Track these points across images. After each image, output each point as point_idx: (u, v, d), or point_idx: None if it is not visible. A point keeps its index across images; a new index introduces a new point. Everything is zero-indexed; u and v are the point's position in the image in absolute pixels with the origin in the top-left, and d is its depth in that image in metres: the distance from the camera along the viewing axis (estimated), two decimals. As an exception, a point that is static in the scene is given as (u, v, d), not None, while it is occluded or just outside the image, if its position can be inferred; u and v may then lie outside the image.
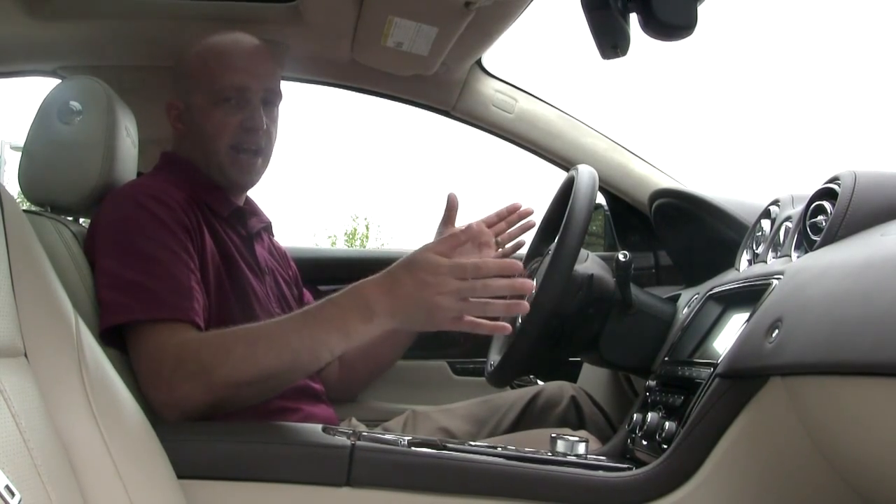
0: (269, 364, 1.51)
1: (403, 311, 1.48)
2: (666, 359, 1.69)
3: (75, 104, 1.75)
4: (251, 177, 1.90)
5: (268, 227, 2.04)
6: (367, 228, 19.00)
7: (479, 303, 1.48)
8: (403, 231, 21.35)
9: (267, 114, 1.86)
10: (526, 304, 1.52)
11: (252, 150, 1.86)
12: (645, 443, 1.53)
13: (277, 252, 2.07)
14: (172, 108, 1.89)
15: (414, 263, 1.48)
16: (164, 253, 1.62)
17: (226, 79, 1.82)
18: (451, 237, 1.52)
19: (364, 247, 18.59)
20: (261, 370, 1.50)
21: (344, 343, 1.52)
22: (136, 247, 1.62)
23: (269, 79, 1.87)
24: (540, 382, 2.30)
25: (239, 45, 1.87)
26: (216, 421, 1.55)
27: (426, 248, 1.50)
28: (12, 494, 0.83)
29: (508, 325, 1.55)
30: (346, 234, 19.10)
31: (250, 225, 1.93)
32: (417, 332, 2.14)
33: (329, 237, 19.01)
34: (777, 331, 1.22)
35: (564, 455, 1.46)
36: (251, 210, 1.98)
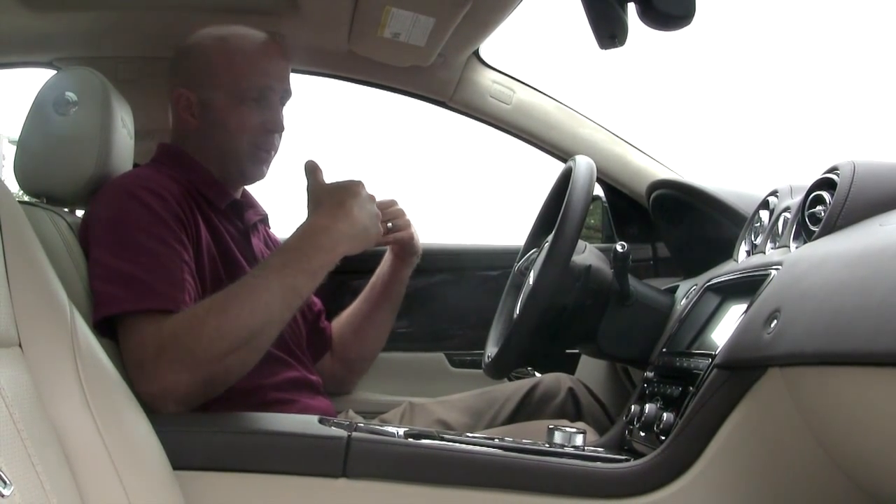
0: (244, 324, 1.53)
1: (359, 230, 1.68)
2: (664, 350, 1.68)
3: (71, 95, 1.74)
4: (263, 172, 1.93)
5: (264, 220, 2.04)
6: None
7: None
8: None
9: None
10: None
11: (270, 149, 1.90)
12: (643, 434, 1.53)
13: (274, 244, 2.07)
14: (182, 97, 1.87)
15: (349, 189, 1.70)
16: (157, 244, 1.62)
17: (252, 79, 1.84)
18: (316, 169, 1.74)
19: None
20: (238, 333, 1.52)
21: (311, 283, 1.63)
22: (129, 238, 1.62)
23: (287, 79, 1.92)
24: (537, 374, 2.29)
25: (265, 46, 1.88)
26: (212, 411, 1.54)
27: (318, 184, 1.73)
28: (5, 484, 0.82)
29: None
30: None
31: (247, 217, 1.93)
32: (396, 311, 2.16)
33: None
34: (775, 321, 1.22)
35: (562, 446, 1.45)
36: (248, 202, 1.98)
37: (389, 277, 2.11)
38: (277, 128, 1.89)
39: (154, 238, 1.62)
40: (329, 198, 1.68)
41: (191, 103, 1.86)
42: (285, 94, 1.91)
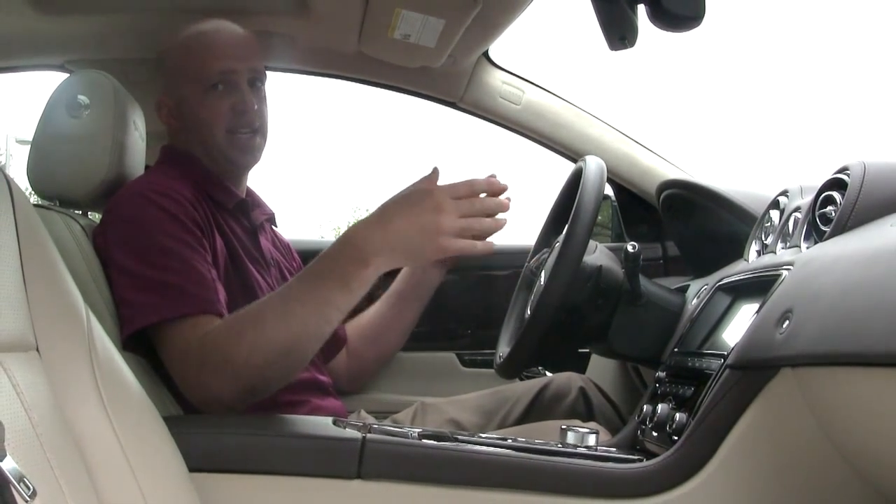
0: (280, 337, 1.50)
1: (401, 243, 1.50)
2: (675, 350, 1.68)
3: (83, 98, 1.75)
4: (252, 155, 1.91)
5: (271, 219, 2.05)
6: (371, 219, 18.96)
7: (473, 221, 1.51)
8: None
9: (255, 94, 1.88)
10: (504, 220, 1.57)
11: (247, 130, 1.87)
12: (655, 434, 1.53)
13: (281, 244, 2.08)
14: (162, 105, 1.91)
15: (406, 197, 1.52)
16: (183, 248, 1.63)
17: (210, 65, 1.84)
18: (433, 174, 1.56)
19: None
20: (274, 345, 1.50)
21: (347, 296, 1.52)
22: (155, 244, 1.62)
23: (251, 60, 1.89)
24: (549, 374, 2.29)
25: (218, 32, 1.89)
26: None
27: (415, 183, 1.55)
28: (28, 488, 0.83)
29: (493, 244, 1.57)
30: (349, 225, 19.14)
31: (253, 217, 1.94)
32: (420, 315, 2.13)
33: (334, 229, 19.02)
34: (787, 321, 1.22)
35: (575, 447, 1.46)
36: (254, 202, 1.98)
37: (420, 283, 2.07)
38: (247, 107, 1.85)
39: (178, 242, 1.63)
40: (395, 204, 1.52)
41: (170, 107, 1.90)
42: (254, 74, 1.88)
